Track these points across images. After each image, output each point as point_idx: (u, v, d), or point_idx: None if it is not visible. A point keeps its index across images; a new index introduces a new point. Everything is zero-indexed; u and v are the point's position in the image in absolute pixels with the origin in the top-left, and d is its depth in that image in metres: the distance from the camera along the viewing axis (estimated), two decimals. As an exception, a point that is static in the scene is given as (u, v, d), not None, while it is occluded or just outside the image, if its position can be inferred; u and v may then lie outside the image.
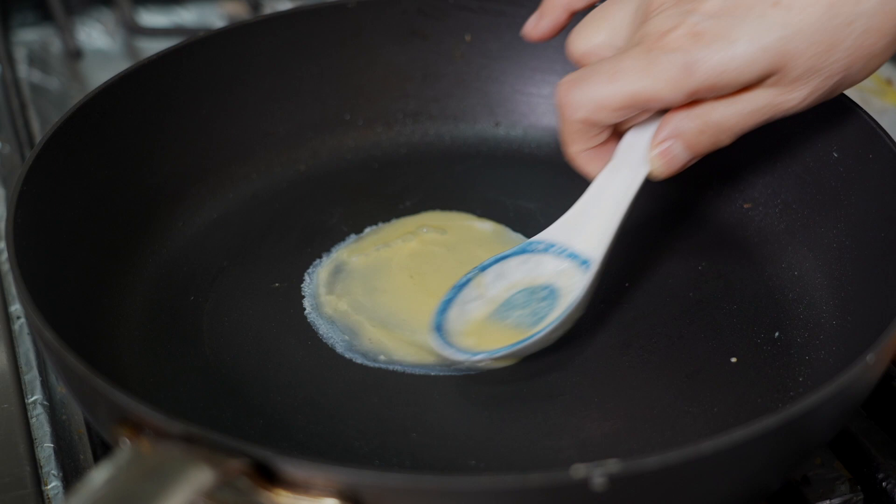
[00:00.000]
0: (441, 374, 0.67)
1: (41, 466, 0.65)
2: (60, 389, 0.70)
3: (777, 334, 0.70)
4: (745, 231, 0.77)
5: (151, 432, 0.50)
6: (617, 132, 0.68)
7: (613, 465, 0.49)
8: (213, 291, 0.72)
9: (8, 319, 0.75)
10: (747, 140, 0.77)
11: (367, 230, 0.77)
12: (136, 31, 1.05)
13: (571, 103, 0.63)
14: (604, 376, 0.67)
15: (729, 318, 0.71)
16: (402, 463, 0.62)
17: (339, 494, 0.49)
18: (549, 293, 0.68)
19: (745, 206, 0.78)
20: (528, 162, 0.82)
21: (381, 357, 0.68)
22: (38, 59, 1.04)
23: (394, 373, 0.67)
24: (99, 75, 0.99)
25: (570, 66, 0.65)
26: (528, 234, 0.72)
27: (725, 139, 0.64)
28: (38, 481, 0.64)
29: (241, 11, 1.10)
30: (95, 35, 1.08)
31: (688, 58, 0.60)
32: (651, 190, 0.80)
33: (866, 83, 0.92)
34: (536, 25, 0.73)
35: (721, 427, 0.52)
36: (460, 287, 0.69)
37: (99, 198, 0.72)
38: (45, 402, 0.69)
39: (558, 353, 0.68)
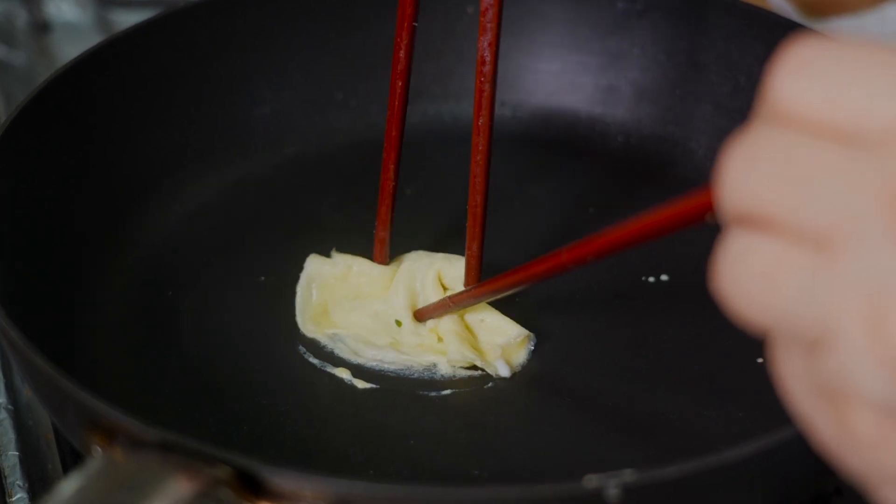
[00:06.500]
0: (441, 375, 0.66)
1: (5, 476, 0.64)
2: (26, 392, 0.69)
3: (808, 334, 0.67)
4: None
5: (125, 439, 0.50)
6: None
7: (629, 476, 0.48)
8: (194, 287, 0.71)
9: (-30, 317, 0.75)
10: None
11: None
12: (108, 1, 1.05)
13: None
14: (615, 378, 0.66)
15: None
16: (398, 472, 0.61)
17: (330, 507, 0.48)
18: None
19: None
20: (536, 144, 0.81)
21: (377, 359, 0.67)
22: (2, 33, 1.03)
23: (390, 375, 0.66)
24: (68, 50, 0.98)
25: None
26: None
27: None
28: (3, 493, 0.63)
29: (223, -20, 1.09)
30: (65, 7, 1.07)
31: None
32: (656, 193, 0.79)
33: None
34: None
35: (745, 433, 0.53)
36: None
37: (69, 185, 0.71)
38: (10, 407, 0.68)
39: (567, 353, 0.68)
